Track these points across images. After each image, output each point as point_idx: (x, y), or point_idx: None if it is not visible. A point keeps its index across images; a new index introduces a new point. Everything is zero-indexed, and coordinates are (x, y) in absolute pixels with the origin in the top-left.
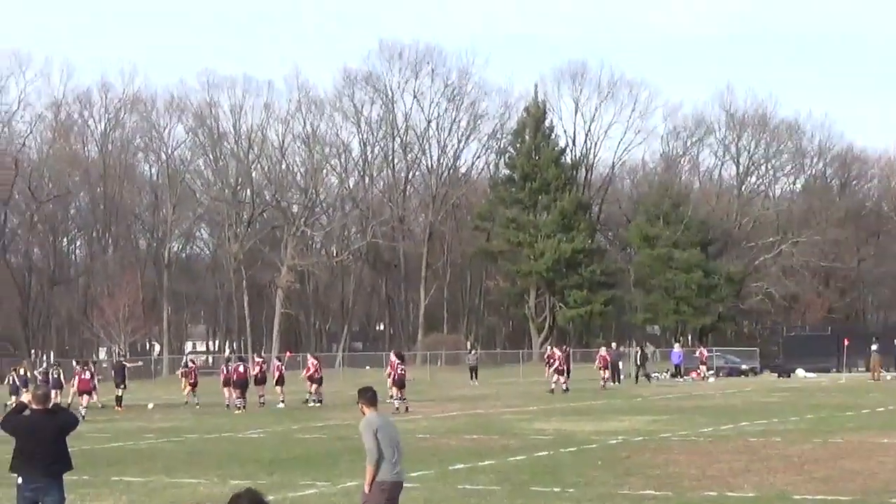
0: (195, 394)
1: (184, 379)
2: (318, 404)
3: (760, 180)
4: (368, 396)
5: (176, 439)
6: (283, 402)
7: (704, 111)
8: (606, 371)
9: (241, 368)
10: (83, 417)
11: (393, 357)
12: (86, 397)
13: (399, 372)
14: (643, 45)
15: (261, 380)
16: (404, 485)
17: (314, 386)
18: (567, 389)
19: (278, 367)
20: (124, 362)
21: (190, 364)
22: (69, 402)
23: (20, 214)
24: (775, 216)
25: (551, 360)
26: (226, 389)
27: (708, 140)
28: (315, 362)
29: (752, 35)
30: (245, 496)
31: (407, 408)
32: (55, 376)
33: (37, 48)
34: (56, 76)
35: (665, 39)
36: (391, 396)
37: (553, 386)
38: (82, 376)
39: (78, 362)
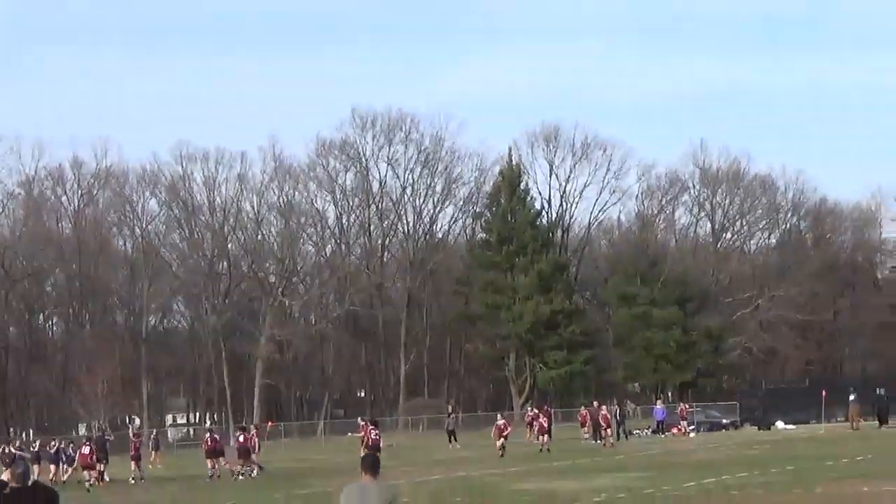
0: (140, 468)
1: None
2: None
3: (736, 236)
4: (365, 464)
5: None
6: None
7: (678, 169)
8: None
9: (241, 438)
10: (88, 491)
11: (360, 422)
12: (88, 472)
13: (373, 437)
14: (615, 105)
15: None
16: None
17: (253, 456)
18: (548, 450)
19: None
20: (106, 437)
21: (132, 437)
22: (58, 478)
23: None
24: (751, 271)
25: (534, 422)
26: (209, 461)
27: (682, 198)
28: (250, 434)
29: (723, 92)
30: None
31: None
32: (34, 451)
33: (5, 125)
34: (27, 153)
35: (637, 99)
36: None
37: (501, 451)
38: (83, 451)
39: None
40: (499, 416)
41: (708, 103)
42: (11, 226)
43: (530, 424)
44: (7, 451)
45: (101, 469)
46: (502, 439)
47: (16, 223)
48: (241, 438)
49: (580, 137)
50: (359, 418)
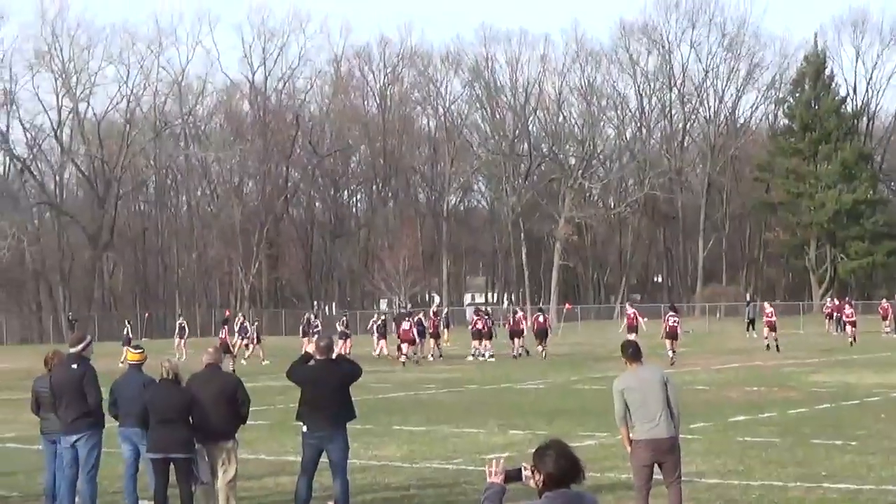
0: (438, 345)
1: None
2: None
3: None
4: (628, 352)
5: (457, 390)
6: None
7: None
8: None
9: (542, 318)
10: (404, 366)
11: (629, 309)
12: (406, 346)
13: (671, 325)
14: None
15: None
16: (682, 437)
17: (517, 340)
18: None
19: (547, 317)
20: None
21: (432, 315)
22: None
23: (301, 169)
24: None
25: (833, 314)
26: (515, 340)
27: None
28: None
29: None
30: (552, 447)
31: (673, 361)
32: (343, 327)
33: (315, 6)
34: (335, 32)
35: None
36: (667, 348)
37: (770, 342)
38: (403, 326)
39: (406, 314)
40: (766, 304)
41: None
42: (319, 102)
43: (830, 315)
44: (311, 321)
45: (418, 346)
46: (768, 329)
47: (323, 100)
48: (542, 319)
49: (889, 23)
50: (628, 304)
